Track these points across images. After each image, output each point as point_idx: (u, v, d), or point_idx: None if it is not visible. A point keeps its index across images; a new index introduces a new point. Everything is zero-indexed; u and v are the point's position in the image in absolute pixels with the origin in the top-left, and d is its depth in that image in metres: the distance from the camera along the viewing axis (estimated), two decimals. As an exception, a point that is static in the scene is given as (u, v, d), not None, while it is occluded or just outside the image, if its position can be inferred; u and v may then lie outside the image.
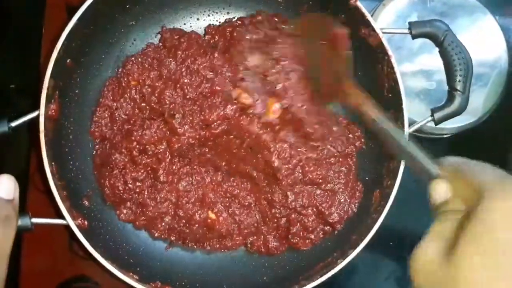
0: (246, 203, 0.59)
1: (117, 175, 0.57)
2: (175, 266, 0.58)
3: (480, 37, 0.66)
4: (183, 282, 0.56)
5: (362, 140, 0.60)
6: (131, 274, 0.50)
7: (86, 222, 0.51)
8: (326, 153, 0.59)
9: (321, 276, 0.51)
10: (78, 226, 0.49)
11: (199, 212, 0.57)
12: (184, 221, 0.58)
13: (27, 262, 0.60)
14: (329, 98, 0.54)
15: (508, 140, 0.67)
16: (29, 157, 0.63)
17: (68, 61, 0.53)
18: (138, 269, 0.53)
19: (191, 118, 0.56)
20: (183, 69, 0.57)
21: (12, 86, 0.67)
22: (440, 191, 0.37)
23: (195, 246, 0.58)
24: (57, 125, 0.53)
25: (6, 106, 0.66)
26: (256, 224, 0.59)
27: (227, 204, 0.59)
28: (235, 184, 0.59)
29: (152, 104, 0.58)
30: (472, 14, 0.66)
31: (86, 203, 0.56)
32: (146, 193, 0.57)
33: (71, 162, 0.56)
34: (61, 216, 0.49)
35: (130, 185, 0.57)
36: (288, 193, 0.57)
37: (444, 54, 0.52)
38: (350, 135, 0.60)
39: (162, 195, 0.57)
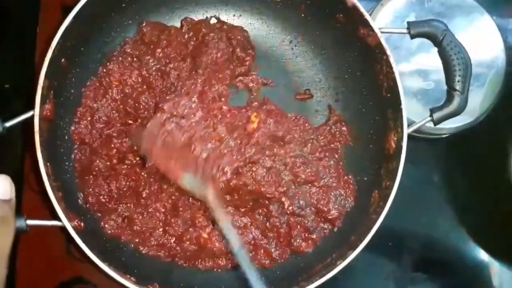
0: (242, 225, 0.57)
1: (101, 183, 0.55)
2: (173, 268, 0.57)
3: (478, 37, 0.66)
4: (181, 284, 0.55)
5: (348, 138, 0.60)
6: (128, 276, 0.50)
7: (82, 224, 0.51)
8: (310, 147, 0.59)
9: (320, 277, 0.51)
10: (74, 228, 0.48)
11: (191, 230, 0.56)
12: (174, 238, 0.56)
13: (23, 265, 0.59)
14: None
15: (506, 139, 0.67)
16: (23, 157, 0.62)
17: (62, 60, 0.52)
18: (135, 271, 0.52)
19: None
20: (157, 71, 0.57)
21: (6, 86, 0.66)
22: None
23: (185, 265, 0.56)
24: (52, 126, 0.53)
25: (0, 106, 0.65)
26: (253, 241, 0.57)
27: None
28: (226, 210, 0.57)
29: (128, 108, 0.57)
30: (470, 14, 0.66)
31: (82, 204, 0.55)
32: (132, 205, 0.56)
33: (67, 163, 0.56)
34: (57, 218, 0.48)
35: (115, 195, 0.56)
36: (283, 199, 0.57)
37: (443, 54, 0.52)
38: (337, 132, 0.60)
39: (150, 210, 0.56)
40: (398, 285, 0.66)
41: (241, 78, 0.61)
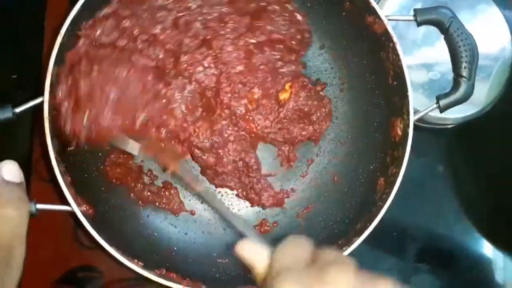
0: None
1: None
2: (180, 253, 0.58)
3: (484, 29, 0.65)
4: (189, 270, 0.56)
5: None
6: (136, 261, 0.50)
7: (90, 210, 0.51)
8: None
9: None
10: (83, 213, 0.49)
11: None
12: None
13: (30, 252, 0.59)
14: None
15: (512, 130, 0.68)
16: (31, 146, 0.63)
17: (71, 48, 0.53)
18: (143, 256, 0.53)
19: None
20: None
21: (14, 77, 0.67)
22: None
23: None
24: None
25: (7, 96, 0.65)
26: None
27: None
28: None
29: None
30: (476, 5, 0.66)
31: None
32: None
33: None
34: (66, 203, 0.49)
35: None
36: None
37: (449, 41, 0.52)
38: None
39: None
40: (401, 275, 0.67)
41: None
